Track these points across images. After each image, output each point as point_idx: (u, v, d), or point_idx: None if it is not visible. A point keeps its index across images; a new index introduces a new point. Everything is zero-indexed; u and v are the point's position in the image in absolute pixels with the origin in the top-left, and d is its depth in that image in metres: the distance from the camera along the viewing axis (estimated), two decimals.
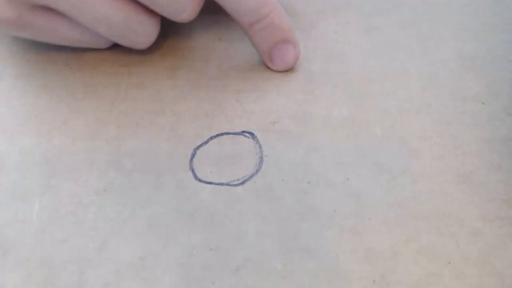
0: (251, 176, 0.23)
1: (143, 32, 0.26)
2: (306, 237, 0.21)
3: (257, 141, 0.25)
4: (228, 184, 0.23)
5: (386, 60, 0.29)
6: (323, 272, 0.20)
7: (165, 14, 0.25)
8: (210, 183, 0.23)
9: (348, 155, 0.24)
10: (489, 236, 0.21)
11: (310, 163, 0.24)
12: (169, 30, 0.28)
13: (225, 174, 0.24)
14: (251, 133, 0.25)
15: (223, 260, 0.21)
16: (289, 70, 0.28)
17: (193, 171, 0.24)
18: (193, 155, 0.24)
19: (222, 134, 0.25)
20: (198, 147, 0.25)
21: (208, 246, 0.21)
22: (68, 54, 0.29)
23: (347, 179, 0.23)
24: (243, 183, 0.23)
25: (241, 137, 0.25)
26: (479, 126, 0.25)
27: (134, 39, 0.26)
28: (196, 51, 0.29)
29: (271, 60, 0.27)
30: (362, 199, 0.23)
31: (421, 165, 0.24)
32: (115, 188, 0.23)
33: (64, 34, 0.26)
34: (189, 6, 0.25)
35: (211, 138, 0.25)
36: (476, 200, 0.22)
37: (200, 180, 0.23)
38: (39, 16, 0.25)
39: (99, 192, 0.23)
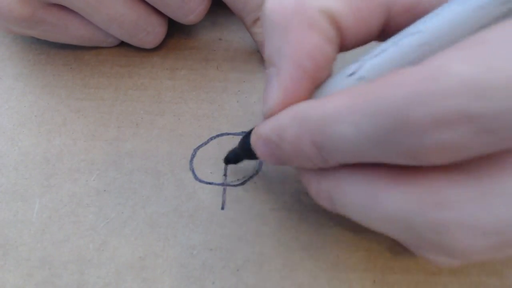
0: (251, 176, 0.23)
1: (153, 32, 0.27)
2: (306, 237, 0.21)
3: None
4: (228, 184, 0.23)
5: None
6: (323, 272, 0.20)
7: (174, 15, 0.26)
8: (210, 183, 0.23)
9: None
10: None
11: None
12: (169, 31, 0.29)
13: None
14: None
15: (223, 260, 0.21)
16: None
17: (193, 171, 0.24)
18: (193, 156, 0.24)
19: (222, 134, 0.25)
20: (198, 147, 0.25)
21: (208, 246, 0.21)
22: (68, 55, 0.29)
23: None
24: (243, 183, 0.23)
25: (241, 137, 0.25)
26: None
27: (143, 39, 0.27)
28: (196, 52, 0.29)
29: None
30: None
31: None
32: (115, 188, 0.23)
33: (74, 32, 0.26)
34: (197, 9, 0.26)
35: (211, 138, 0.25)
36: None
37: (200, 180, 0.23)
38: (51, 14, 0.25)
39: (99, 192, 0.23)
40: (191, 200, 0.23)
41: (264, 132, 0.18)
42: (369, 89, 0.14)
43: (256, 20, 0.27)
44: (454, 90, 0.12)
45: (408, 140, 0.13)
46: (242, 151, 0.21)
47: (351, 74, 0.17)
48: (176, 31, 0.30)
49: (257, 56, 0.28)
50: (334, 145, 0.15)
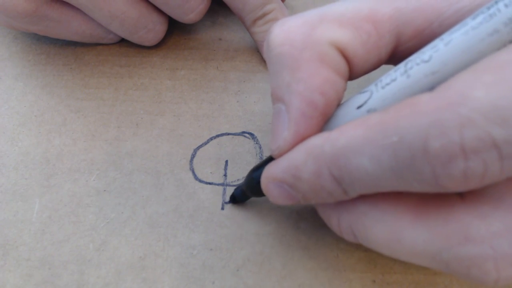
0: None
1: (153, 29, 0.27)
2: (306, 237, 0.21)
3: (257, 142, 0.25)
4: (228, 184, 0.23)
5: None
6: (323, 272, 0.20)
7: (174, 14, 0.26)
8: (210, 183, 0.23)
9: None
10: None
11: None
12: (169, 31, 0.29)
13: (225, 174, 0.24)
14: (251, 134, 0.25)
15: (223, 260, 0.21)
16: None
17: (193, 171, 0.24)
18: (193, 156, 0.24)
19: (222, 134, 0.25)
20: (198, 147, 0.25)
21: (208, 246, 0.21)
22: (68, 55, 0.29)
23: None
24: None
25: (241, 137, 0.25)
26: None
27: (143, 36, 0.27)
28: (196, 52, 0.29)
29: None
30: None
31: None
32: (115, 188, 0.23)
33: (76, 28, 0.27)
34: (197, 8, 0.26)
35: (211, 138, 0.25)
36: None
37: (200, 180, 0.23)
38: (55, 10, 0.25)
39: (99, 192, 0.23)
40: (191, 200, 0.23)
41: (276, 174, 0.17)
42: (385, 119, 0.14)
43: (256, 19, 0.27)
44: (476, 118, 0.12)
45: (430, 170, 0.13)
46: (249, 190, 0.20)
47: (360, 106, 0.16)
48: (176, 31, 0.30)
49: (257, 56, 0.28)
50: (354, 177, 0.15)
